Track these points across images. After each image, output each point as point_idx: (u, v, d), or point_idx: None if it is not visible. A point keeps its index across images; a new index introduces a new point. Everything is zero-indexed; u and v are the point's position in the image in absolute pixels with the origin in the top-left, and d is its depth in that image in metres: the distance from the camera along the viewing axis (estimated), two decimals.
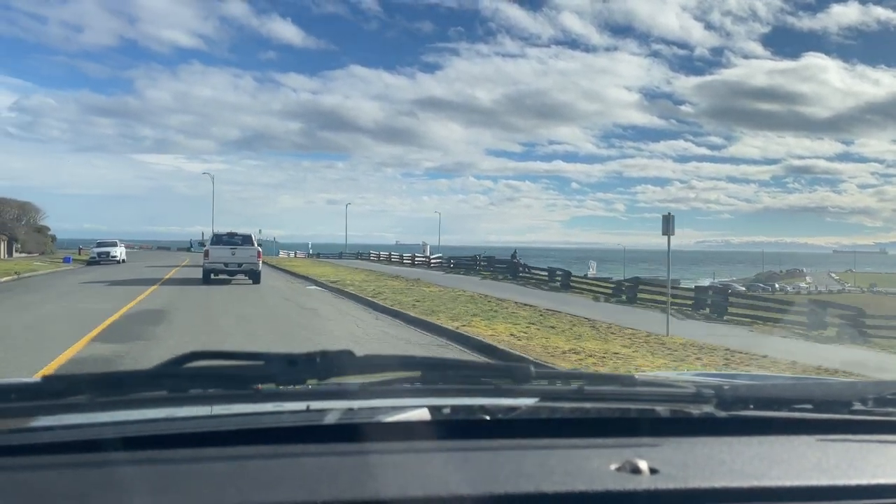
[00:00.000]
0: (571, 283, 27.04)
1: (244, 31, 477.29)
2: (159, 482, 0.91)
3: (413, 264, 48.84)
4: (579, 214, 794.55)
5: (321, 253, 79.41)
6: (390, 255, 57.46)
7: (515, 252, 41.10)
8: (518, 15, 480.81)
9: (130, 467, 0.94)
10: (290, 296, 20.15)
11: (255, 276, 24.01)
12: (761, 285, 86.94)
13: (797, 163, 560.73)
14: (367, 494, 0.89)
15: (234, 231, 25.54)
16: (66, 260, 42.38)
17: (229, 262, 23.69)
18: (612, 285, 25.60)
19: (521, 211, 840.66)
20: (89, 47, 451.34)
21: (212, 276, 23.65)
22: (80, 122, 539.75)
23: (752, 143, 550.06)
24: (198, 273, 25.36)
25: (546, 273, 30.29)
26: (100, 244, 45.18)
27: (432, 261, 47.39)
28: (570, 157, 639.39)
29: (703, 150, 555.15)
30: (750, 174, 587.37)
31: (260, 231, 71.07)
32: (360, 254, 65.04)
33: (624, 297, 22.72)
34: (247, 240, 24.67)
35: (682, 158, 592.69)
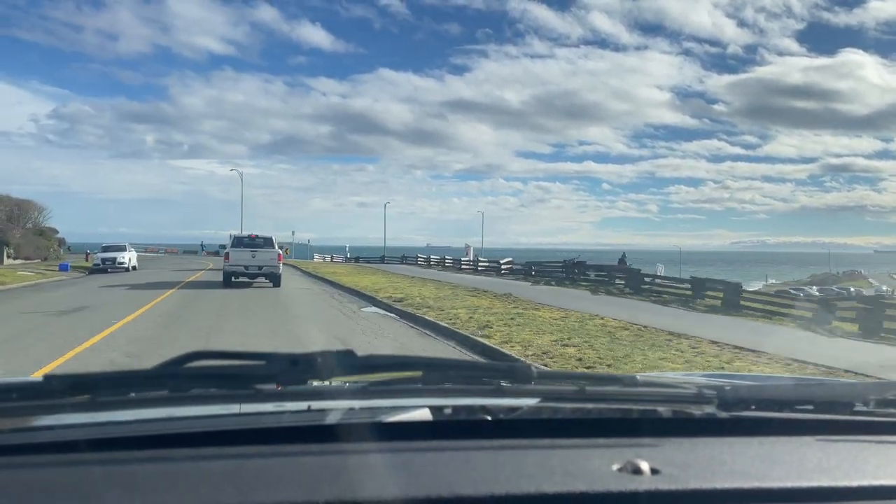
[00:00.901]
0: (742, 302, 18.85)
1: (274, 37, 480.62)
2: (160, 481, 0.92)
3: (475, 271, 40.85)
4: (610, 215, 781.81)
5: (361, 256, 70.38)
6: (443, 258, 49.13)
7: (625, 255, 32.48)
8: (546, 15, 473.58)
9: (131, 467, 0.96)
10: (343, 331, 12.57)
11: (275, 280, 23.76)
12: (835, 289, 76.87)
13: (835, 161, 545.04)
14: (368, 494, 0.89)
15: (255, 234, 25.36)
16: (63, 267, 36.38)
17: (249, 264, 23.44)
18: (810, 305, 17.14)
19: (551, 212, 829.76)
20: (124, 55, 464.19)
21: (232, 279, 23.52)
22: (117, 128, 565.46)
23: (788, 141, 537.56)
24: (210, 289, 22.78)
25: (688, 286, 22.00)
26: (105, 248, 38.86)
27: (503, 266, 38.42)
28: (601, 158, 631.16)
29: (738, 150, 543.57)
30: (786, 173, 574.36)
31: (293, 233, 65.86)
32: (406, 257, 55.58)
33: (857, 328, 14.36)
34: (268, 242, 24.41)
35: (716, 158, 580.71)
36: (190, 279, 27.67)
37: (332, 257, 69.47)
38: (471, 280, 29.53)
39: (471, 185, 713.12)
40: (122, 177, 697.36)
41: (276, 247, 24.52)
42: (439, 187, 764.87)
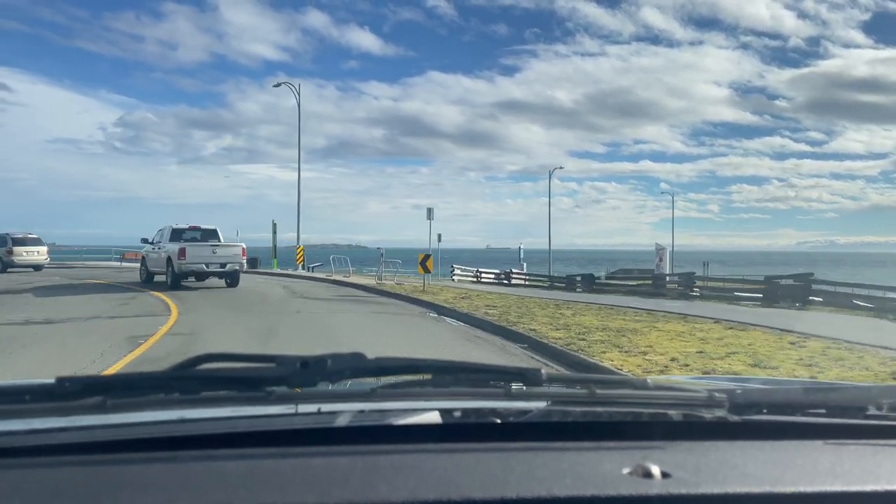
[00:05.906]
0: None
1: (325, 43, 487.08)
2: (171, 483, 0.93)
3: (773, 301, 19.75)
4: (670, 216, 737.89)
5: (627, 273, 38.15)
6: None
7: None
8: (596, 13, 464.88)
9: (143, 468, 0.97)
10: None
11: (234, 279, 21.07)
12: None
13: None
14: (377, 497, 0.90)
15: (195, 224, 22.17)
16: None
17: (210, 262, 20.38)
18: None
19: (607, 213, 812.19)
20: (183, 63, 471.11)
21: (181, 280, 20.51)
22: (179, 135, 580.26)
23: (856, 137, 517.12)
24: None
25: None
26: None
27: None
28: (658, 157, 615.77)
29: (803, 147, 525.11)
30: (855, 170, 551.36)
31: (431, 211, 26.67)
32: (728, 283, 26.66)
33: None
34: (212, 234, 21.87)
35: (780, 156, 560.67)
36: None
37: (504, 275, 36.44)
38: None
39: (525, 186, 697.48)
40: (186, 182, 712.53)
41: (221, 238, 21.74)
42: (493, 189, 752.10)
